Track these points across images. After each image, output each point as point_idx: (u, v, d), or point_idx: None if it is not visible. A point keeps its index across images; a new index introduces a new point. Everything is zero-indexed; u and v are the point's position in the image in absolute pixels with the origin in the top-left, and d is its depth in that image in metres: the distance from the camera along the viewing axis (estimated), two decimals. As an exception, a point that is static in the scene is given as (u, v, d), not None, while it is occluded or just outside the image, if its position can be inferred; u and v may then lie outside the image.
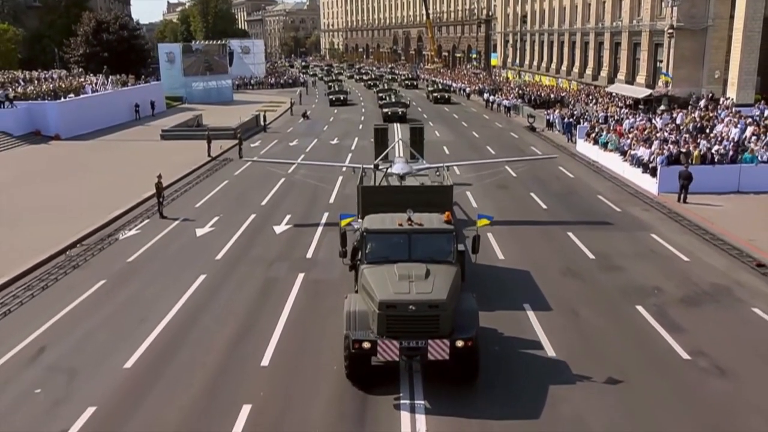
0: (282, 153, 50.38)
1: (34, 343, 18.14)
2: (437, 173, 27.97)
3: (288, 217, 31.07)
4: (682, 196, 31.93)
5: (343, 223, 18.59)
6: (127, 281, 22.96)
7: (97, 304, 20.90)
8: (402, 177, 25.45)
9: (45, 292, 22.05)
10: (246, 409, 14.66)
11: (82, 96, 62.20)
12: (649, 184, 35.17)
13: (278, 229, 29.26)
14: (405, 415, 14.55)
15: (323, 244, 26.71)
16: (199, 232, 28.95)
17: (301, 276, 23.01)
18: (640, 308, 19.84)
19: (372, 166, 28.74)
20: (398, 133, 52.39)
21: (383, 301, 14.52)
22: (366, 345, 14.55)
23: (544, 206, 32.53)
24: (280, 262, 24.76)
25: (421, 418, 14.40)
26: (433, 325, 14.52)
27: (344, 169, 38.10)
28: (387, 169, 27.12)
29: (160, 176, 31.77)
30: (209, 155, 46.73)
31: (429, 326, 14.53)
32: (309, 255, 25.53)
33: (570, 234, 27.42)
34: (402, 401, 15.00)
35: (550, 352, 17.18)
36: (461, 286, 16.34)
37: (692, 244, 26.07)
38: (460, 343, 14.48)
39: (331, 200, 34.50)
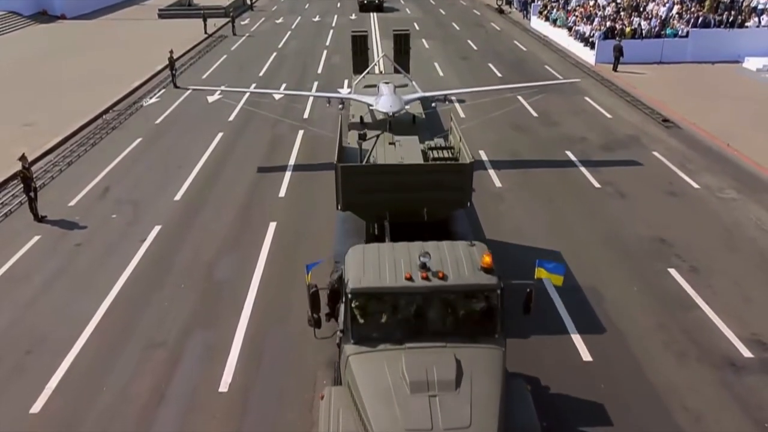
0: (271, 29, 51.47)
1: (100, 184, 21.19)
2: (433, 104, 24.80)
3: (284, 85, 33.47)
4: (614, 66, 34.85)
5: (309, 278, 9.96)
6: (159, 138, 25.71)
7: (140, 155, 23.79)
8: (392, 116, 19.70)
9: (95, 147, 24.81)
10: (273, 224, 18.11)
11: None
12: (588, 55, 37.88)
13: (277, 95, 31.71)
14: None
15: (315, 108, 29.41)
16: (211, 99, 31.28)
17: (300, 132, 25.91)
18: (568, 152, 23.34)
19: (351, 92, 24.12)
20: (379, 42, 43.35)
21: None
22: None
23: (500, 75, 35.24)
24: (281, 122, 27.51)
25: None
26: None
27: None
28: (371, 106, 21.06)
29: (171, 51, 33.61)
30: (206, 32, 47.72)
31: None
32: (306, 116, 28.31)
33: (519, 98, 30.42)
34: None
35: (497, 182, 20.77)
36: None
37: (616, 105, 29.35)
38: None
39: (319, 71, 36.78)
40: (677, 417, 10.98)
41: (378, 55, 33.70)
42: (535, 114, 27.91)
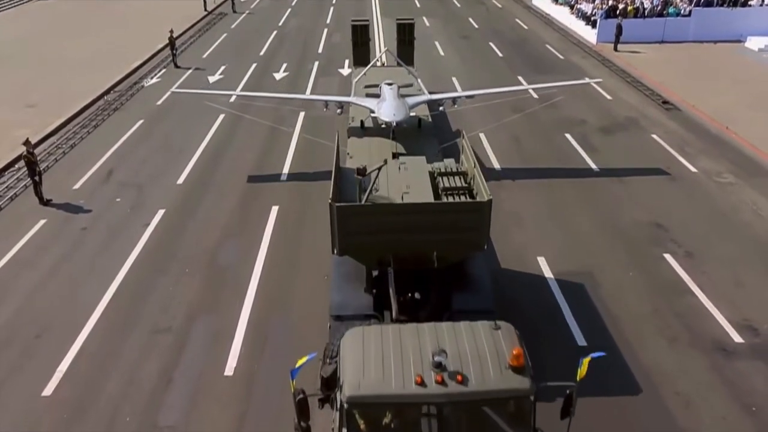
0: (271, 6, 51.09)
1: (103, 167, 21.38)
2: (441, 107, 21.56)
3: (285, 65, 33.43)
4: (615, 45, 34.73)
5: (294, 384, 8.24)
6: (161, 120, 25.81)
7: (142, 138, 23.92)
8: (395, 126, 17.60)
9: (97, 129, 24.94)
10: (275, 208, 18.34)
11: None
12: (590, 34, 37.70)
13: (278, 76, 31.75)
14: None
15: (317, 89, 29.46)
16: (211, 79, 31.33)
17: (302, 114, 25.98)
18: (567, 135, 23.46)
19: (351, 94, 21.44)
20: (381, 36, 38.63)
21: None
22: None
23: (501, 54, 35.15)
24: (283, 103, 27.50)
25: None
26: None
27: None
28: (373, 112, 18.70)
29: (171, 31, 33.52)
30: (205, 9, 47.41)
31: None
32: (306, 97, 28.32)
33: (520, 78, 30.44)
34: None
35: (496, 164, 20.95)
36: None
37: (616, 86, 29.35)
38: None
39: (320, 50, 36.68)
40: (668, 401, 11.33)
41: (380, 40, 33.36)
42: (535, 96, 27.93)
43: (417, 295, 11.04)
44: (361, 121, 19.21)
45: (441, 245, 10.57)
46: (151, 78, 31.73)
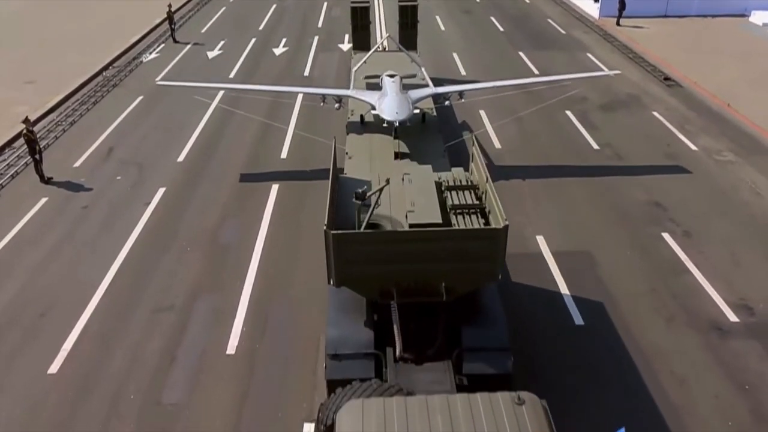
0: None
1: (103, 144, 21.38)
2: (447, 101, 19.95)
3: (284, 40, 33.18)
4: (617, 19, 34.41)
5: None
6: (160, 97, 25.68)
7: (142, 115, 23.87)
8: (398, 125, 15.92)
9: (97, 106, 24.86)
10: (275, 187, 18.38)
11: None
12: (592, 9, 37.31)
13: (277, 51, 31.53)
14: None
15: (316, 65, 29.29)
16: (210, 54, 31.13)
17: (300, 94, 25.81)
18: (568, 112, 23.39)
19: (350, 87, 19.47)
20: (383, 20, 36.30)
21: None
22: None
23: (502, 29, 34.85)
24: (283, 79, 27.43)
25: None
26: None
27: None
28: (373, 109, 17.10)
29: (170, 5, 33.16)
30: (203, -18, 46.76)
31: None
32: (306, 73, 28.21)
33: (521, 53, 30.24)
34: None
35: (496, 141, 20.94)
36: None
37: (618, 62, 29.15)
38: None
39: (320, 24, 36.37)
40: (663, 380, 11.52)
41: (381, 23, 32.80)
42: (536, 71, 27.79)
43: (423, 330, 9.92)
44: (361, 116, 17.66)
45: (450, 276, 9.55)
46: (150, 53, 31.52)
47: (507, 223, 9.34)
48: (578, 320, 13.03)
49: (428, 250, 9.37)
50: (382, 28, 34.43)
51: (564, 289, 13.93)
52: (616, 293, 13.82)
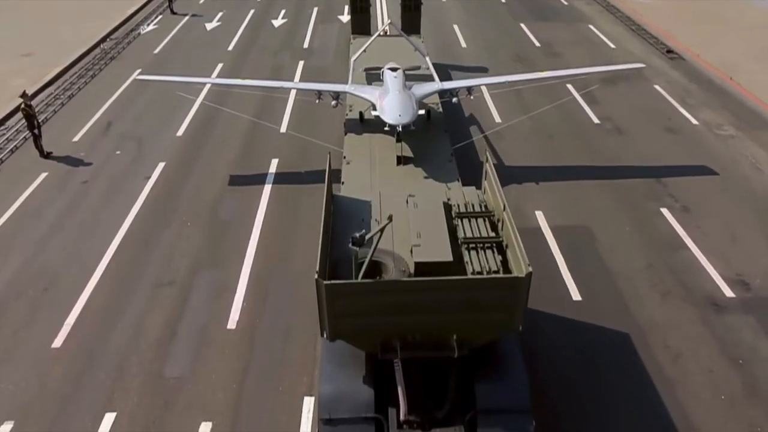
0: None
1: (102, 118, 21.31)
2: (454, 99, 17.38)
3: (283, 11, 32.81)
4: (621, -11, 33.95)
5: None
6: (159, 69, 25.37)
7: (141, 88, 23.64)
8: (400, 128, 14.14)
9: (95, 79, 24.71)
10: (275, 161, 18.39)
11: None
12: (595, -21, 36.70)
13: (276, 23, 31.20)
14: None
15: (316, 37, 29.02)
16: (209, 26, 30.82)
17: (301, 63, 25.69)
18: (569, 86, 23.22)
19: (349, 81, 17.42)
20: (384, 2, 34.01)
21: None
22: None
23: (503, 1, 34.41)
24: (282, 51, 27.22)
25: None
26: None
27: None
28: (374, 109, 15.49)
29: (167, -25, 32.72)
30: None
31: None
32: (306, 45, 27.97)
33: (522, 25, 29.93)
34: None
35: (496, 115, 20.86)
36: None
37: (620, 34, 28.87)
38: None
39: (320, -5, 35.94)
40: (658, 354, 11.69)
41: (382, 5, 32.11)
42: (537, 44, 27.54)
43: (431, 389, 8.77)
44: (361, 113, 16.21)
45: (462, 327, 8.23)
46: (148, 25, 31.20)
47: (530, 270, 7.87)
48: (576, 296, 13.15)
49: (437, 299, 8.03)
50: (384, 10, 33.27)
51: (562, 264, 14.02)
52: (613, 268, 13.93)
